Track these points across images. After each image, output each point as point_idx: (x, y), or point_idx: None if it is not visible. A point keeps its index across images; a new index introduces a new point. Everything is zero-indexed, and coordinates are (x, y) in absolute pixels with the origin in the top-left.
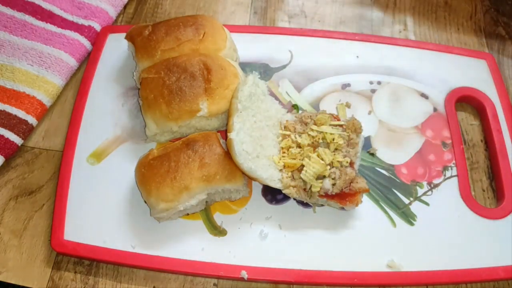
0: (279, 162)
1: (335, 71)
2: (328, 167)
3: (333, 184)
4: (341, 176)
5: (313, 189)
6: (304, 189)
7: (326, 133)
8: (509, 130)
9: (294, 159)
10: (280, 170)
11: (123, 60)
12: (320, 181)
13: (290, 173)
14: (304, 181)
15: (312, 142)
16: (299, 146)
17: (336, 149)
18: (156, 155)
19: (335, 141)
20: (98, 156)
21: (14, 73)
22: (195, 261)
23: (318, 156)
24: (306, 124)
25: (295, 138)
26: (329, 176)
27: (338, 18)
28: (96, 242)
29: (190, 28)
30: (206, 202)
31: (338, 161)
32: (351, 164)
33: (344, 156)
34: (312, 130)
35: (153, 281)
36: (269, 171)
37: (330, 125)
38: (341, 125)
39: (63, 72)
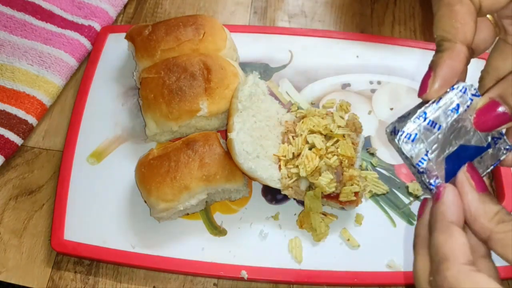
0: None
1: (335, 71)
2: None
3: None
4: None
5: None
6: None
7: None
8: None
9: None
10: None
11: (123, 60)
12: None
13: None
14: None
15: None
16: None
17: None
18: (156, 155)
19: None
20: (98, 156)
21: (14, 73)
22: (195, 261)
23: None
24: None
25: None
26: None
27: (338, 18)
28: (96, 242)
29: (190, 28)
30: (206, 202)
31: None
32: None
33: None
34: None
35: (153, 281)
36: (269, 171)
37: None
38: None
39: (63, 72)
